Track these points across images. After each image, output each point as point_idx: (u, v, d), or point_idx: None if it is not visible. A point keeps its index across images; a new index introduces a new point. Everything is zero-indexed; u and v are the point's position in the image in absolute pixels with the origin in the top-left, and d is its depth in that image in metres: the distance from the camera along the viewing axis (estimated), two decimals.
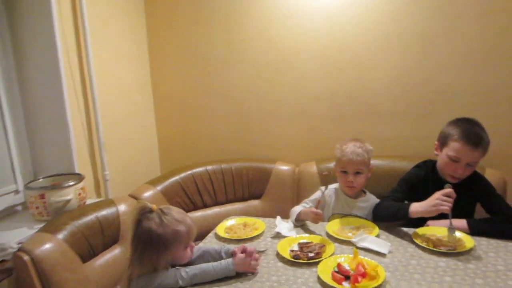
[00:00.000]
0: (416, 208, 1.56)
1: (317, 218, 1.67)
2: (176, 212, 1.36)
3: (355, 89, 2.39)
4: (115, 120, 2.42)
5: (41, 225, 1.65)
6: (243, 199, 2.47)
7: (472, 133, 1.59)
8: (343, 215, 1.81)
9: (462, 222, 1.58)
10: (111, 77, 2.38)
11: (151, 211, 1.32)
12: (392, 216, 1.65)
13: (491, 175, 1.98)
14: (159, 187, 2.21)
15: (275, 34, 2.47)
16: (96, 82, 2.20)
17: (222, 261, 1.37)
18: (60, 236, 1.54)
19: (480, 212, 1.72)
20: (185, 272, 1.31)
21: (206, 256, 1.48)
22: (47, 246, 1.46)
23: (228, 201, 2.45)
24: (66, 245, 1.53)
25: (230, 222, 1.85)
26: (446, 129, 1.68)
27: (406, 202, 1.69)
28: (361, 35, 2.31)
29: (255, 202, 2.46)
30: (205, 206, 2.40)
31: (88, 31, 2.12)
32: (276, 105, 2.57)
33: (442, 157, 1.67)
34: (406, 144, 2.23)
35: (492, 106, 2.18)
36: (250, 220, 1.85)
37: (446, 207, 1.45)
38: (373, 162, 2.14)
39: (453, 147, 1.61)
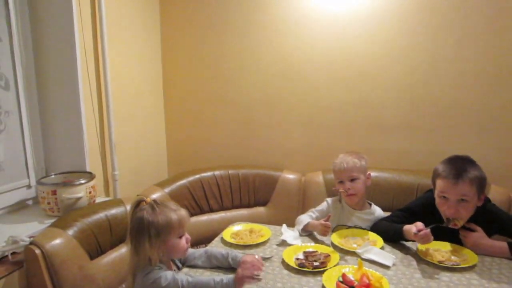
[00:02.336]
0: (407, 230, 1.57)
1: (326, 231, 1.69)
2: (169, 203, 1.39)
3: (363, 101, 2.42)
4: (127, 122, 2.46)
5: (51, 220, 1.68)
6: (249, 205, 2.48)
7: (454, 167, 1.52)
8: (348, 227, 1.83)
9: (503, 246, 1.53)
10: (125, 79, 2.43)
11: (145, 202, 1.35)
12: (389, 238, 1.66)
13: (496, 192, 2.00)
14: (167, 190, 2.24)
15: (286, 44, 2.50)
16: (111, 83, 2.24)
17: (224, 278, 1.32)
18: (70, 232, 1.56)
19: None
20: (187, 282, 1.29)
21: (213, 260, 1.50)
22: (58, 241, 1.49)
23: (234, 207, 2.46)
24: (76, 241, 1.55)
25: (237, 227, 1.87)
26: (435, 168, 1.61)
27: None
28: (371, 49, 2.34)
29: (260, 209, 2.48)
30: (211, 210, 2.41)
31: (105, 34, 2.17)
32: (285, 114, 2.60)
33: (435, 197, 1.61)
34: (412, 158, 2.25)
35: (498, 123, 2.20)
36: (256, 226, 1.87)
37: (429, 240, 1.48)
38: (378, 174, 2.19)
39: (438, 184, 1.57)
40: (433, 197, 1.64)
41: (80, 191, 1.88)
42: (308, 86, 2.51)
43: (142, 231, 1.30)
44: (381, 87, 2.37)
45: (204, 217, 2.37)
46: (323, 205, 1.93)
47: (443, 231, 1.59)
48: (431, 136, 2.30)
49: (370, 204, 1.91)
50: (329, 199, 1.94)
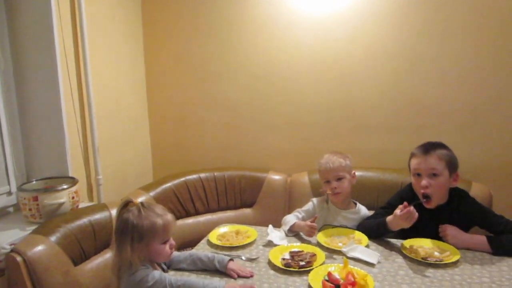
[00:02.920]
0: (390, 220, 1.60)
1: (312, 232, 1.70)
2: (157, 207, 1.38)
3: (346, 102, 2.44)
4: (110, 125, 2.43)
5: (33, 227, 1.66)
6: (235, 207, 2.48)
7: (424, 145, 1.68)
8: (333, 226, 1.84)
9: (480, 239, 1.57)
10: (107, 82, 2.40)
11: (132, 204, 1.35)
12: (374, 234, 1.69)
13: (477, 189, 2.04)
14: (152, 193, 2.22)
15: (270, 46, 2.51)
16: (92, 86, 2.21)
17: (215, 282, 1.35)
18: (53, 238, 1.55)
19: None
20: (175, 280, 1.29)
21: (198, 263, 1.49)
22: (40, 248, 1.47)
23: (220, 209, 2.46)
24: (59, 248, 1.54)
25: (223, 229, 1.86)
26: (410, 157, 1.75)
27: None
28: (354, 50, 2.36)
29: (247, 211, 2.48)
30: (197, 213, 2.40)
31: (86, 36, 2.15)
32: (270, 116, 2.60)
33: (412, 180, 1.73)
34: (396, 157, 2.28)
35: (478, 121, 2.24)
36: (242, 228, 1.86)
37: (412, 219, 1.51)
38: (363, 174, 2.22)
39: (412, 163, 1.70)
40: (411, 189, 1.73)
41: (63, 197, 1.85)
42: (292, 88, 2.53)
43: (126, 233, 1.30)
44: (364, 88, 2.40)
45: (190, 220, 2.36)
46: (309, 205, 1.94)
47: (426, 230, 1.64)
48: (414, 134, 2.33)
49: (356, 204, 1.93)
50: (314, 199, 1.96)
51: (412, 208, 1.52)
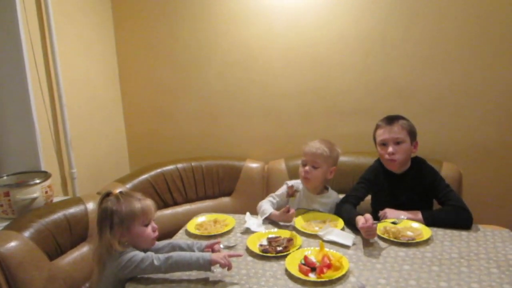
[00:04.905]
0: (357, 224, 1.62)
1: (291, 217, 1.74)
2: (135, 193, 1.44)
3: (320, 87, 2.46)
4: (83, 117, 2.39)
5: (5, 224, 1.62)
6: (214, 196, 2.49)
7: (387, 117, 1.84)
8: (306, 210, 1.87)
9: (417, 214, 1.69)
10: (78, 72, 2.34)
11: (111, 194, 1.40)
12: (346, 222, 1.72)
13: (448, 168, 2.11)
14: (128, 185, 2.20)
15: (242, 32, 2.50)
16: (62, 77, 2.16)
17: (200, 258, 1.34)
18: (27, 234, 1.52)
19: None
20: (162, 255, 1.33)
21: (177, 250, 1.48)
22: (13, 244, 1.44)
23: (198, 199, 2.46)
24: (33, 243, 1.51)
25: (201, 219, 1.86)
26: (374, 129, 1.88)
27: (366, 197, 1.89)
28: (325, 35, 2.38)
29: (225, 200, 2.49)
30: (176, 204, 2.40)
31: (53, 25, 2.09)
32: (245, 103, 2.60)
33: (378, 150, 1.85)
34: (369, 140, 2.32)
35: (448, 103, 2.30)
36: (220, 216, 1.87)
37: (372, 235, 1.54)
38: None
39: (378, 134, 1.84)
40: (379, 161, 1.88)
41: (35, 191, 1.82)
42: (266, 75, 2.53)
43: (105, 219, 1.35)
44: (335, 74, 2.42)
45: (168, 211, 2.35)
46: (283, 189, 1.95)
47: (393, 195, 1.81)
48: None
49: (327, 189, 1.96)
50: (289, 182, 1.97)
51: (371, 224, 1.51)
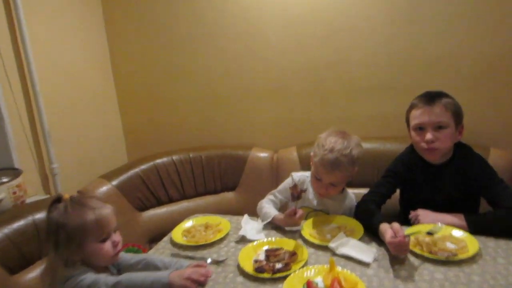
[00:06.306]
0: (382, 233, 1.28)
1: (299, 221, 1.41)
2: (91, 200, 1.18)
3: (337, 62, 2.15)
4: (63, 106, 2.17)
5: None
6: (215, 191, 2.28)
7: (426, 94, 1.48)
8: (312, 210, 1.57)
9: (459, 218, 1.35)
10: (55, 57, 2.11)
11: (60, 201, 1.15)
12: (367, 228, 1.39)
13: (496, 156, 1.80)
14: (114, 182, 1.99)
15: (244, 3, 2.20)
16: (35, 63, 1.93)
17: (158, 273, 1.16)
18: None
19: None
20: (112, 279, 1.11)
21: (151, 270, 1.24)
22: None
23: (198, 195, 2.25)
24: None
25: (189, 223, 1.58)
26: (409, 105, 1.54)
27: (393, 194, 1.56)
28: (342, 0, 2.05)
29: (228, 195, 2.28)
30: (171, 200, 2.19)
31: (19, 3, 1.83)
32: (250, 84, 2.33)
33: (412, 136, 1.52)
34: (397, 123, 1.97)
35: (492, 77, 1.93)
36: (213, 220, 1.58)
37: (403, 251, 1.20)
38: None
39: (413, 116, 1.48)
40: (412, 150, 1.55)
41: (1, 192, 1.63)
42: (272, 50, 2.24)
43: (49, 235, 1.12)
44: (355, 45, 2.10)
45: (162, 209, 2.15)
46: (287, 182, 1.61)
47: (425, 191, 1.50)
48: (415, 95, 2.00)
49: (343, 188, 1.61)
50: (294, 174, 1.61)
51: (403, 238, 1.16)
